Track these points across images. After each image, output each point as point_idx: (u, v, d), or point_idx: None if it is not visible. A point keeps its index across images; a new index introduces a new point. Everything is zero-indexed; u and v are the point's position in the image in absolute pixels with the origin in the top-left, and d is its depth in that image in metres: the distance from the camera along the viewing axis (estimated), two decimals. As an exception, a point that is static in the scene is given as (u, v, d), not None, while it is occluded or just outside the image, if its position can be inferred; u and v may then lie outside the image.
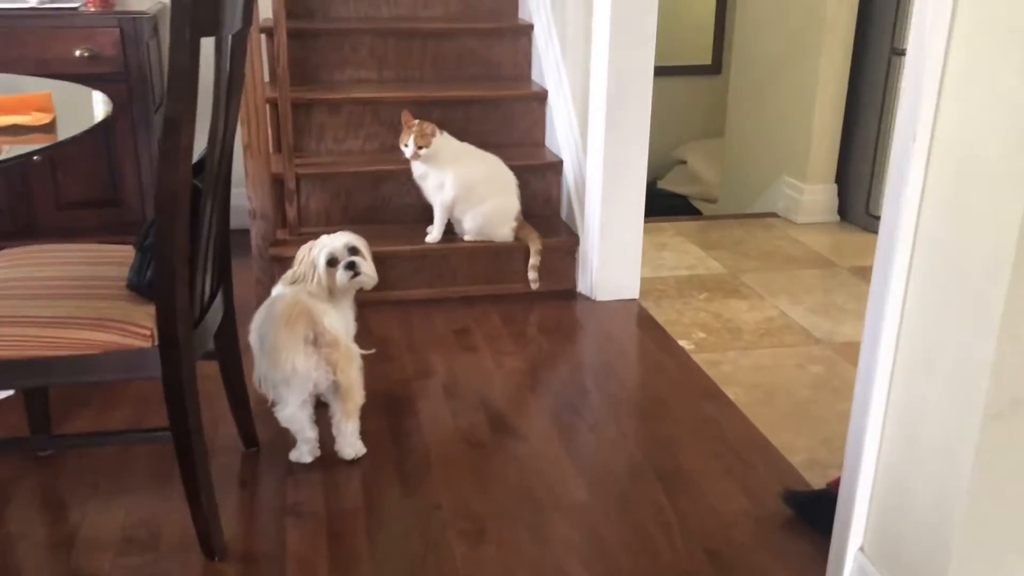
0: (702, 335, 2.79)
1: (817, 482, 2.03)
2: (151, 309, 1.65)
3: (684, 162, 5.68)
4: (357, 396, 2.05)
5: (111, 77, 3.03)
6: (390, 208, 3.16)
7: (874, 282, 1.49)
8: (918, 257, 1.40)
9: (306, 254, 2.13)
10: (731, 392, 2.43)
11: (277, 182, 2.99)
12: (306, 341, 1.93)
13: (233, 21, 1.66)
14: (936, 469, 1.38)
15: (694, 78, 5.76)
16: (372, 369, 2.50)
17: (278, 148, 3.04)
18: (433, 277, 3.01)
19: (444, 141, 2.89)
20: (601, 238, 2.95)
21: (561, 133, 3.23)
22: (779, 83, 3.99)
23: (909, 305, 1.43)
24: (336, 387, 2.01)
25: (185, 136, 1.53)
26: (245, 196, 2.86)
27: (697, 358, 2.63)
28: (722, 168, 4.78)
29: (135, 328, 1.63)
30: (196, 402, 1.70)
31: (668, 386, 2.47)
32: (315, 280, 2.09)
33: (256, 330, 2.00)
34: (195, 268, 1.71)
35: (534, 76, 3.51)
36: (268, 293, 2.18)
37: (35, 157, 1.54)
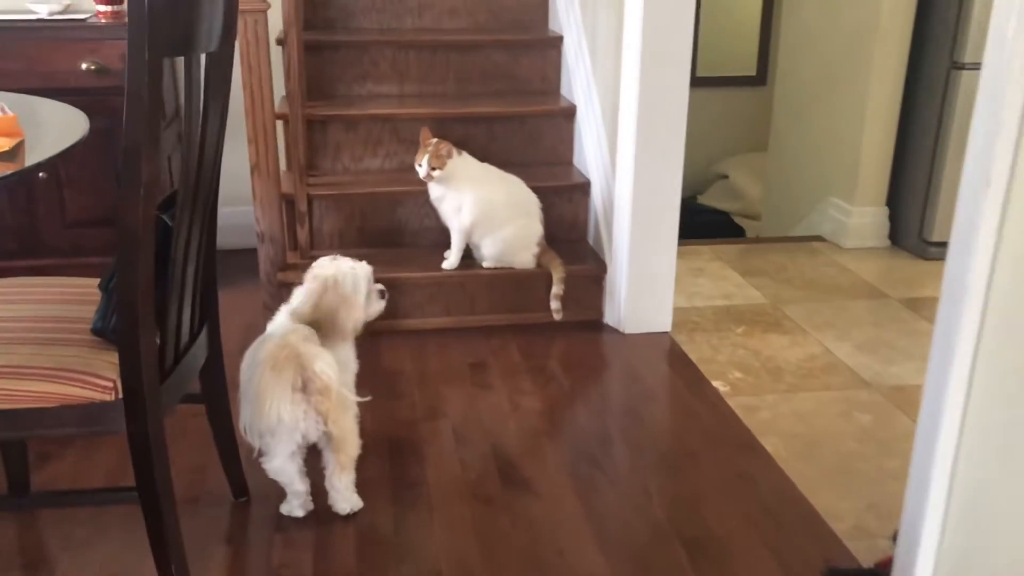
0: (738, 375, 2.56)
1: (864, 556, 1.80)
2: (115, 357, 1.48)
3: (726, 177, 5.43)
4: (352, 448, 1.87)
5: (119, 91, 2.90)
6: (407, 231, 2.99)
7: (940, 317, 1.26)
8: (992, 314, 1.17)
9: (326, 285, 1.93)
10: (769, 443, 2.21)
11: (288, 203, 2.84)
12: (294, 388, 1.74)
13: (209, 40, 1.50)
14: (1021, 548, 1.15)
15: (737, 89, 5.52)
16: (378, 408, 2.32)
17: (291, 167, 2.88)
18: (450, 305, 2.83)
19: (462, 162, 2.71)
20: (630, 266, 2.74)
21: (590, 152, 3.03)
22: (828, 96, 3.75)
23: (986, 342, 1.19)
24: (328, 438, 1.83)
25: (146, 168, 1.38)
26: (252, 216, 2.71)
27: (732, 402, 2.41)
28: (764, 186, 4.53)
29: (96, 380, 1.47)
30: (165, 460, 1.54)
31: (699, 435, 2.26)
32: (348, 316, 1.93)
33: (243, 372, 1.83)
34: (168, 308, 1.54)
35: (563, 91, 3.32)
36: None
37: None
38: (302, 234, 2.84)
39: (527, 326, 2.84)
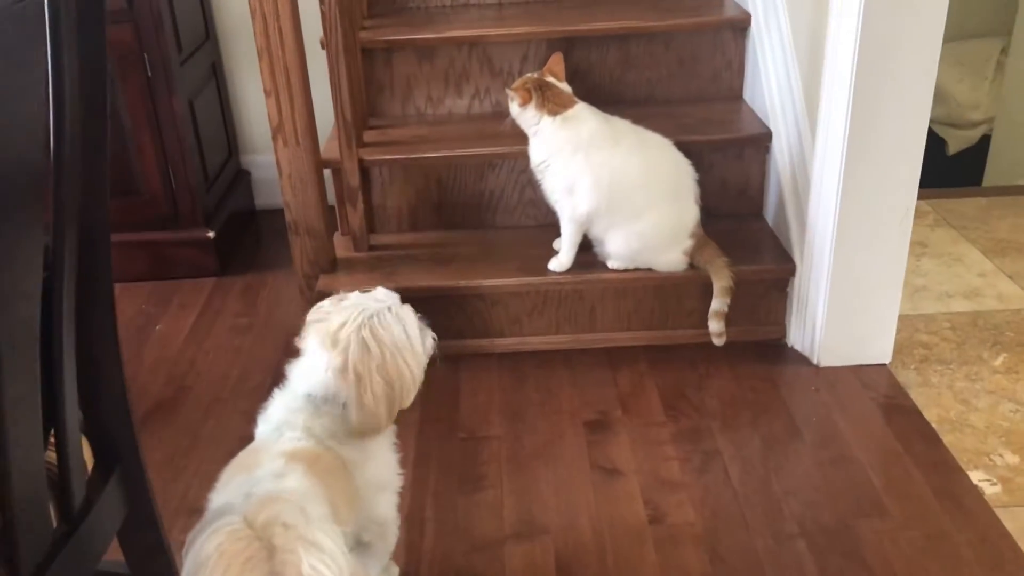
0: (1008, 457, 1.62)
1: None
2: None
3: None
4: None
5: (109, 16, 2.12)
6: (500, 209, 2.13)
7: None
8: None
9: (361, 340, 1.19)
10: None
11: (335, 171, 2.03)
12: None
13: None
14: None
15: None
16: (443, 509, 1.54)
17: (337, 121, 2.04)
18: (560, 319, 1.98)
19: (576, 116, 1.81)
20: (834, 266, 1.80)
21: (772, 86, 2.04)
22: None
23: None
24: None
25: None
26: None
27: (1005, 515, 1.49)
28: (1004, 87, 3.35)
29: None
30: None
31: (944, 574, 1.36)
32: (403, 379, 1.22)
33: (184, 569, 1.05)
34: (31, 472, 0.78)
35: (730, -11, 2.31)
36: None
37: None
38: (354, 217, 2.02)
39: (671, 350, 1.96)
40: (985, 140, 3.62)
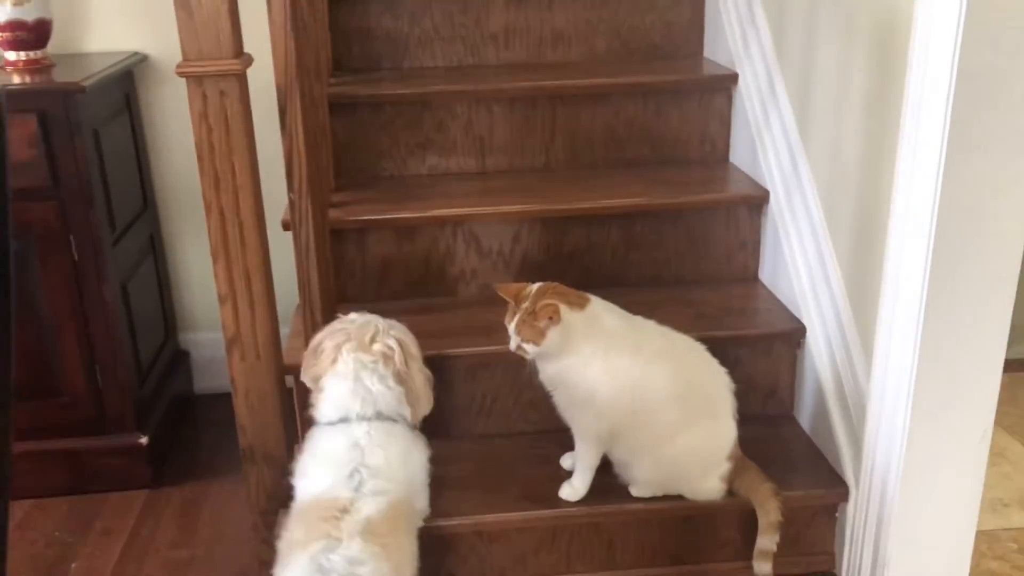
0: None
1: None
2: None
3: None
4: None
5: (30, 193, 1.81)
6: (495, 413, 1.82)
7: None
8: None
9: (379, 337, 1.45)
10: None
11: (297, 380, 1.70)
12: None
13: None
14: None
15: None
16: None
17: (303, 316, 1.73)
18: (572, 556, 1.65)
19: (586, 320, 1.51)
20: (901, 494, 1.52)
21: (800, 273, 1.81)
22: None
23: None
24: None
25: None
26: (233, 422, 1.57)
27: None
28: None
29: None
30: None
31: None
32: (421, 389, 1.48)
33: None
34: None
35: (736, 161, 2.11)
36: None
37: None
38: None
39: (707, 591, 1.65)
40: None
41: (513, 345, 1.51)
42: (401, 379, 1.42)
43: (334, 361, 1.41)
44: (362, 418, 1.38)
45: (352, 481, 1.29)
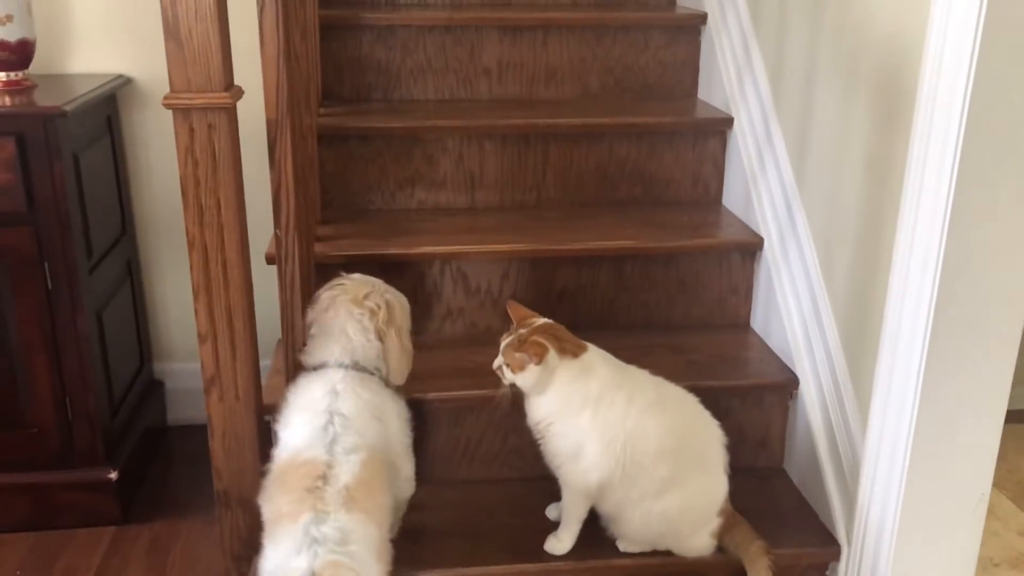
0: None
1: None
2: None
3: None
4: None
5: (4, 218, 1.75)
6: (478, 458, 1.77)
7: None
8: None
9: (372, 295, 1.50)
10: None
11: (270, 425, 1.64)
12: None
13: None
14: None
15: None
16: None
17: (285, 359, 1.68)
18: (558, 610, 1.60)
19: (581, 368, 1.48)
20: (895, 558, 1.48)
21: (794, 322, 1.78)
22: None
23: None
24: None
25: None
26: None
27: None
28: None
29: None
30: None
31: None
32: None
33: None
34: None
35: (729, 204, 2.09)
36: None
37: None
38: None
39: (694, 650, 1.60)
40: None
41: (496, 364, 1.49)
42: (380, 338, 1.46)
43: (326, 309, 1.46)
44: (340, 365, 1.42)
45: (326, 435, 1.31)
